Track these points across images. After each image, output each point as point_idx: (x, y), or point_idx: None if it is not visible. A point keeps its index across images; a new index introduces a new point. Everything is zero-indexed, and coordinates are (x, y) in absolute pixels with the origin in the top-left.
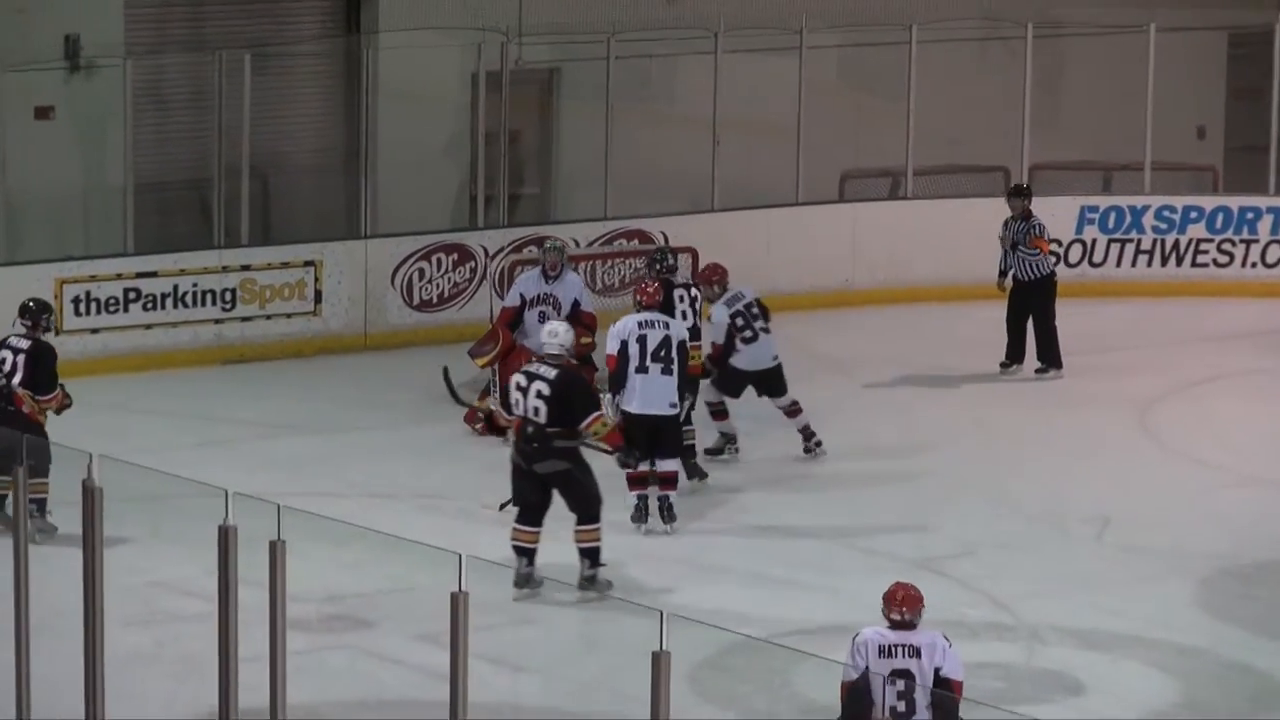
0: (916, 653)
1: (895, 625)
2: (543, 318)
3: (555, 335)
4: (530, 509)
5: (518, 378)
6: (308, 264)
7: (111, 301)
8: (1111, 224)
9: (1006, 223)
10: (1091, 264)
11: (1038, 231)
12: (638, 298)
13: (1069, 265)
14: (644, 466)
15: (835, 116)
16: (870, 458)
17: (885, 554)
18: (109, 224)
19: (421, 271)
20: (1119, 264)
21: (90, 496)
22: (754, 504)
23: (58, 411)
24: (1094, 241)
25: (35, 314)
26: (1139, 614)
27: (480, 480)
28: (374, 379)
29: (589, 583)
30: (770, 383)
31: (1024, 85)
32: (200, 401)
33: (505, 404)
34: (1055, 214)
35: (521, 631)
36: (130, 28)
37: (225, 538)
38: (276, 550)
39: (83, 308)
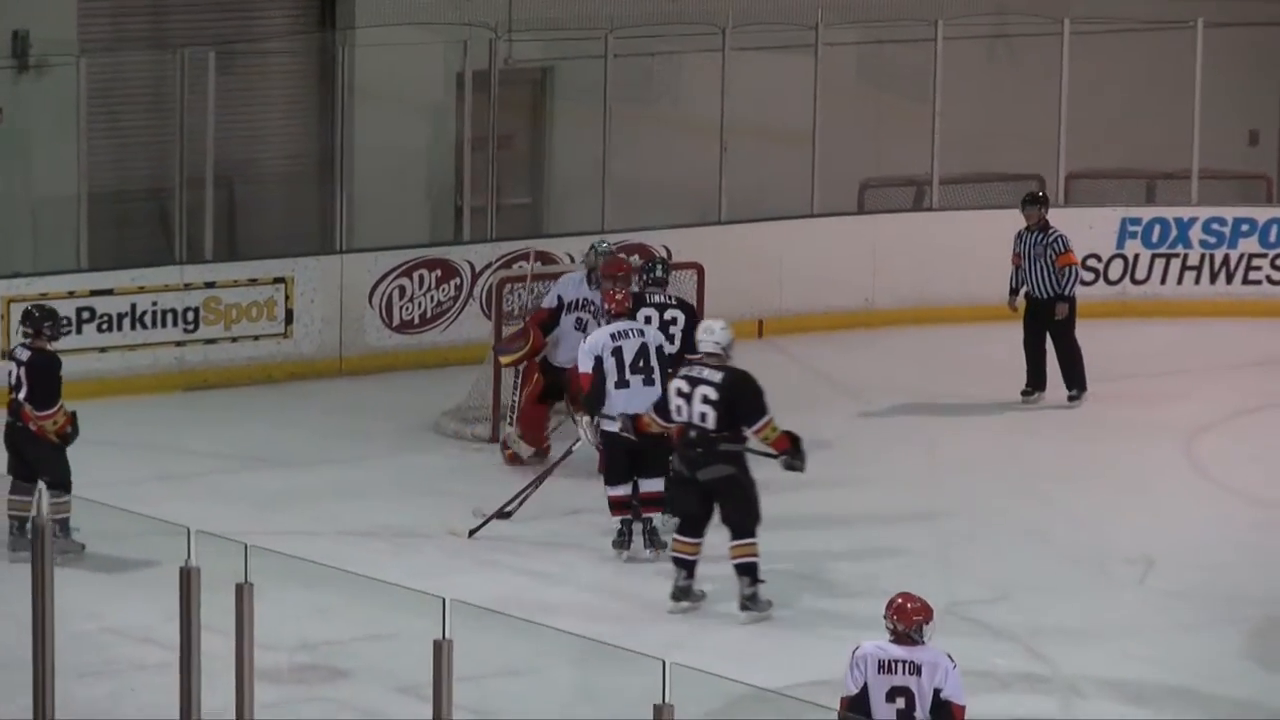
0: (917, 670)
1: (896, 638)
2: (580, 325)
3: (711, 333)
4: (691, 519)
5: (678, 383)
6: (277, 281)
7: (63, 322)
8: (1155, 237)
9: (1020, 235)
10: (1134, 281)
11: (1062, 246)
12: (607, 306)
13: (1109, 282)
14: (619, 491)
15: (854, 120)
16: (890, 493)
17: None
18: (60, 237)
19: (402, 289)
20: (1164, 281)
21: (39, 535)
22: (760, 542)
23: (57, 436)
24: (1136, 256)
25: (37, 321)
26: (1185, 665)
27: (466, 516)
28: (350, 407)
29: (750, 602)
30: None
31: (1060, 85)
32: (160, 431)
33: (662, 411)
34: (1094, 226)
35: (511, 683)
36: (84, 23)
37: (188, 580)
38: (243, 593)
39: None
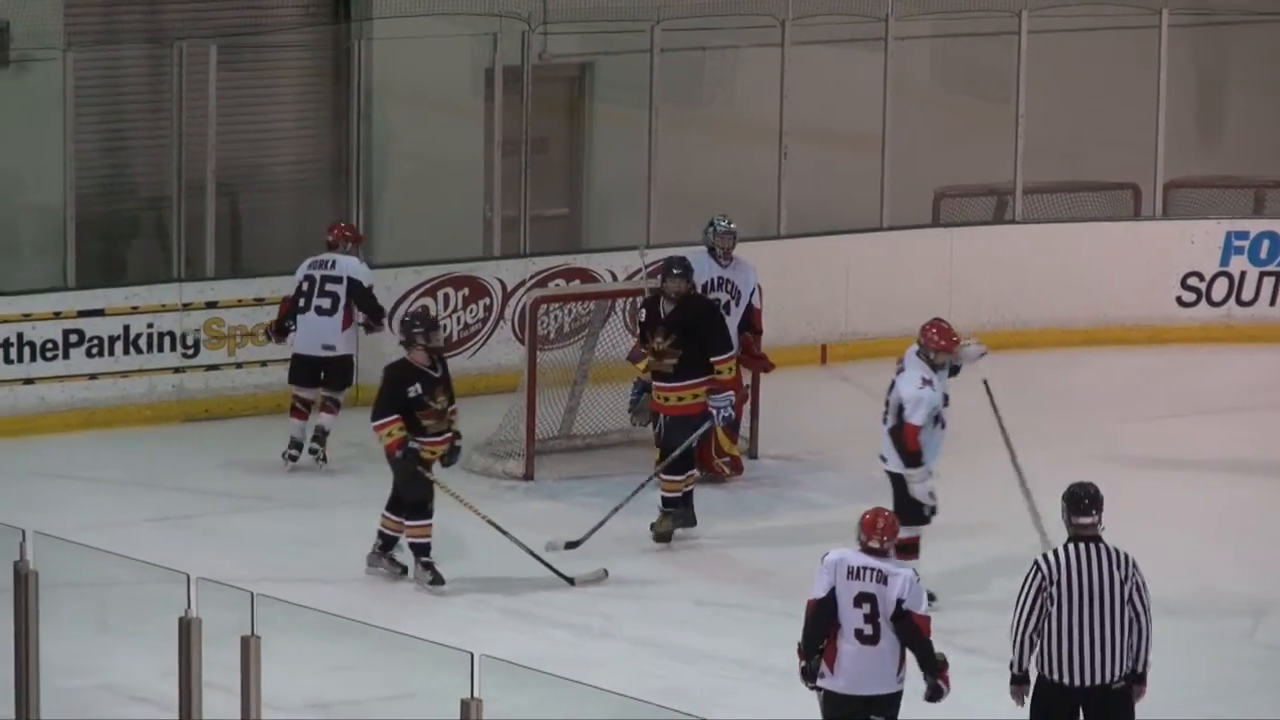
0: (884, 579)
1: (865, 550)
2: (719, 307)
3: None
4: None
5: None
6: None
7: (49, 346)
8: (1264, 253)
9: None
10: (1239, 302)
11: None
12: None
13: (1212, 303)
14: None
15: (928, 123)
16: (969, 537)
17: (990, 654)
18: (45, 252)
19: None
20: (1273, 302)
21: (23, 582)
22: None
23: (390, 453)
24: (1243, 274)
25: (405, 327)
26: None
27: (496, 562)
28: (366, 440)
29: None
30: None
31: (1158, 85)
32: (157, 467)
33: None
34: (1195, 240)
35: None
36: (71, 14)
37: (187, 632)
38: (249, 647)
39: (14, 353)
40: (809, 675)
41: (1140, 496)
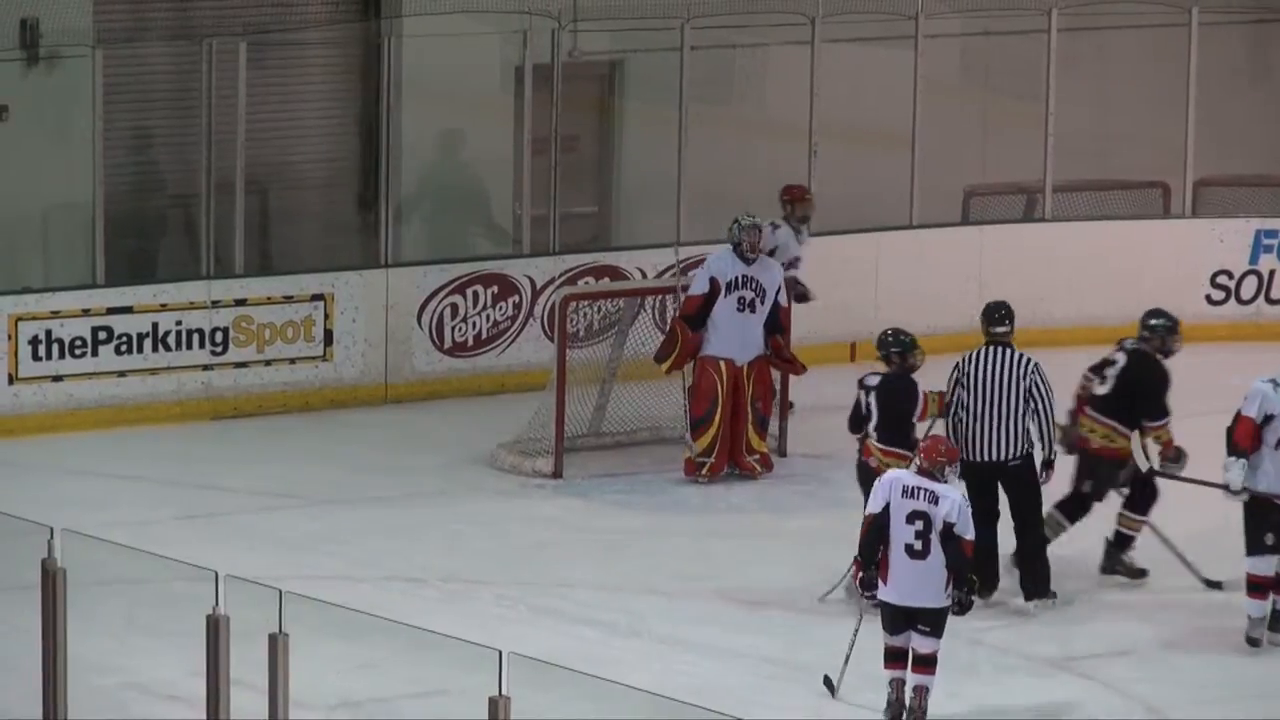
0: (935, 499)
1: (921, 473)
2: (743, 306)
3: None
4: None
5: None
6: (316, 298)
7: (77, 343)
8: None
9: None
10: (1269, 300)
11: None
12: None
13: (1241, 301)
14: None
15: (958, 121)
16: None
17: (1018, 653)
18: (74, 249)
19: (454, 308)
20: None
21: (51, 579)
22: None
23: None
24: (1272, 273)
25: (886, 346)
26: None
27: (524, 560)
28: (396, 438)
29: None
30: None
31: (1187, 83)
32: (185, 465)
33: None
34: (1225, 239)
35: None
36: (101, 11)
37: (215, 630)
38: (277, 645)
39: (42, 350)
40: (868, 585)
41: (1166, 494)
